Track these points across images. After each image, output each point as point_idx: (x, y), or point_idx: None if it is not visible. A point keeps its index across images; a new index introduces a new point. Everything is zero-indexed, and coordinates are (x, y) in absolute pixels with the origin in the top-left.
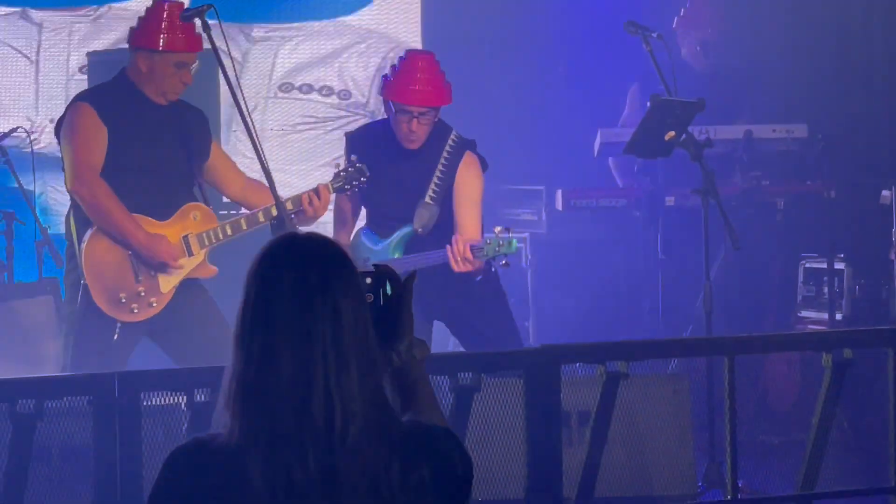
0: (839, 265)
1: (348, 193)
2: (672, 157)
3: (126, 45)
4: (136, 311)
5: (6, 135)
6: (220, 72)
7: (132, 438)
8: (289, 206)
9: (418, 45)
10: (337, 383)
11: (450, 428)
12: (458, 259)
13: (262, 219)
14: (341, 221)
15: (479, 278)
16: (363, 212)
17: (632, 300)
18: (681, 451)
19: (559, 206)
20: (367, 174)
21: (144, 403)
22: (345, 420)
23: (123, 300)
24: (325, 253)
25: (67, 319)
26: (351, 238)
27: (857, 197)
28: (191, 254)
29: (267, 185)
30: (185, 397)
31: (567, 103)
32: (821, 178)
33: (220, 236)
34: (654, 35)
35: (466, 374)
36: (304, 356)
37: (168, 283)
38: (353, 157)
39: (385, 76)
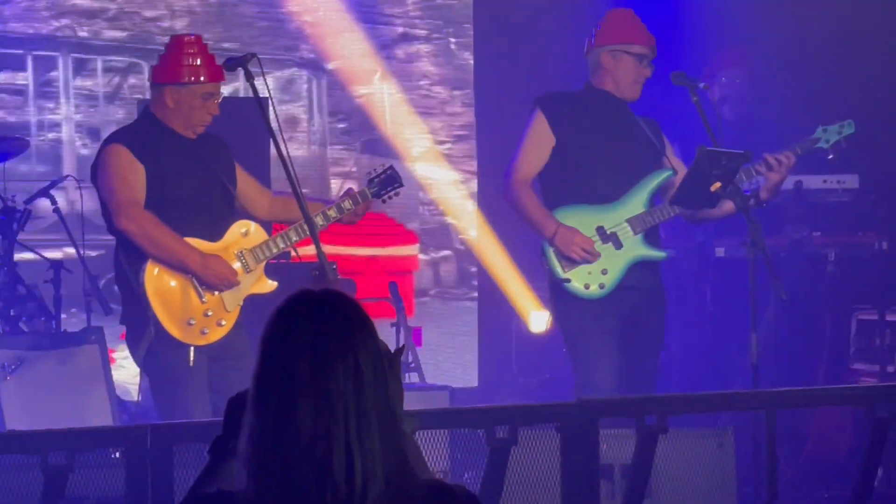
0: (891, 317)
1: (384, 200)
2: None
3: None
4: (206, 332)
5: (55, 183)
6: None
7: (164, 490)
8: (333, 213)
9: None
10: (358, 442)
11: (466, 488)
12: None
13: (321, 221)
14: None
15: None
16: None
17: (680, 353)
18: None
19: None
20: (401, 182)
21: (177, 456)
22: (365, 479)
23: (193, 323)
24: (343, 310)
25: (140, 357)
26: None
27: None
28: (248, 270)
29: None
30: None
31: None
32: (872, 229)
33: (274, 249)
34: (701, 85)
35: (503, 428)
36: (325, 414)
37: (233, 301)
38: (386, 164)
39: (593, 34)
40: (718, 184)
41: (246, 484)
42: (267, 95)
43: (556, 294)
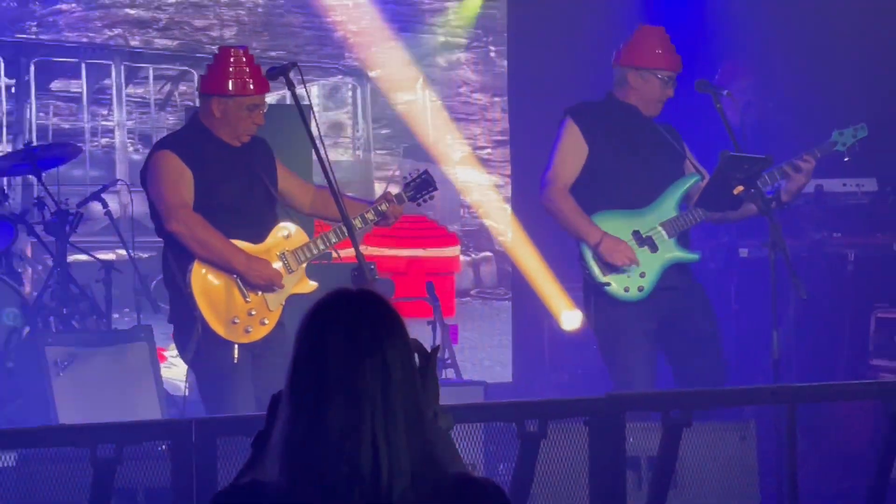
0: None
1: (419, 203)
2: None
3: None
4: (250, 331)
5: (107, 187)
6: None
7: (208, 482)
8: (370, 216)
9: None
10: (385, 438)
11: (493, 481)
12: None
13: (359, 224)
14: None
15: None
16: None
17: None
18: (746, 499)
19: None
20: (436, 186)
21: (220, 448)
22: (391, 475)
23: (237, 322)
24: (373, 309)
25: (188, 354)
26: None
27: None
28: (290, 270)
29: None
30: None
31: None
32: (890, 230)
33: (314, 251)
34: (725, 93)
35: (534, 422)
36: (354, 412)
37: (276, 301)
38: (420, 168)
39: (622, 49)
40: (741, 187)
41: (278, 475)
42: (308, 103)
43: (594, 298)
